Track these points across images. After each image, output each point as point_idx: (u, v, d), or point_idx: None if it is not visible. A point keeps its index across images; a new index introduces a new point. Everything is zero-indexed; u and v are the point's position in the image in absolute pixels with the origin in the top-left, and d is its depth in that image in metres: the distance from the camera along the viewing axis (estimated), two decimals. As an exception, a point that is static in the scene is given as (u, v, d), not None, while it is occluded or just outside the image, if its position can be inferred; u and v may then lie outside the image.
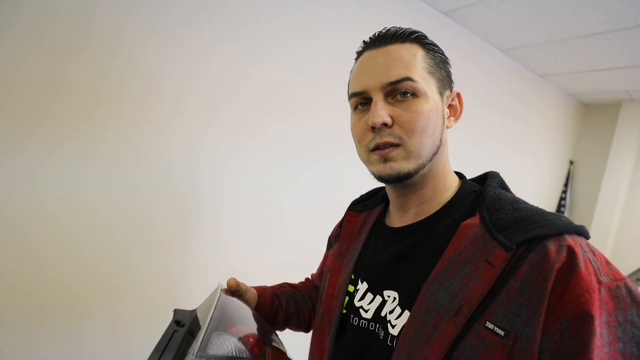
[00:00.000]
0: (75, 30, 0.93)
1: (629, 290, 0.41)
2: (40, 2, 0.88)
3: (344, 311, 0.63)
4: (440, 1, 1.69)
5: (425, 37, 0.56)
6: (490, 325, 0.42)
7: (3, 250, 0.90)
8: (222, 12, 1.16)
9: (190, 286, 1.23)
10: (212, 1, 1.13)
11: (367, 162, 0.57)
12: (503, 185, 0.57)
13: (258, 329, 0.59)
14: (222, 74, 1.19)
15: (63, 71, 0.92)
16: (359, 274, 0.63)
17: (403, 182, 0.54)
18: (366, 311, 0.58)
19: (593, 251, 0.44)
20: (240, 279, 0.70)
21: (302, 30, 1.35)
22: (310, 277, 0.91)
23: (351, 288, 0.63)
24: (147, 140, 1.08)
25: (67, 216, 0.98)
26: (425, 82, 0.53)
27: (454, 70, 0.61)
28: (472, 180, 0.62)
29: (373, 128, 0.53)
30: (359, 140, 0.57)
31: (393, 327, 0.52)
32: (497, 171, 0.60)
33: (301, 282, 0.89)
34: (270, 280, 0.90)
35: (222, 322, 0.53)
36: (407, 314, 0.51)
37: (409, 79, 0.51)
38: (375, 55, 0.55)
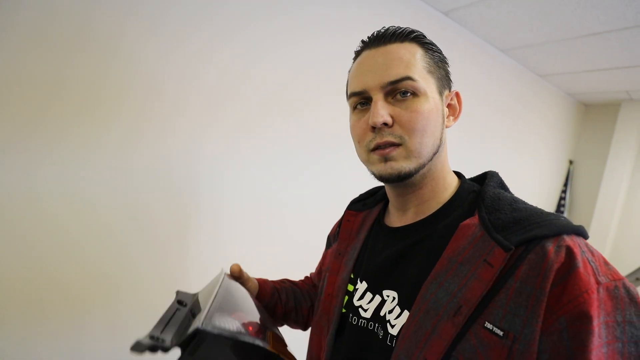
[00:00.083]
0: (75, 30, 0.93)
1: (628, 291, 0.41)
2: (41, 2, 0.88)
3: (343, 310, 0.63)
4: (440, 1, 1.69)
5: (424, 36, 0.56)
6: (489, 326, 0.42)
7: (3, 250, 0.90)
8: (222, 12, 1.16)
9: (190, 286, 1.23)
10: (212, 1, 1.13)
11: (367, 161, 0.56)
12: (502, 185, 0.57)
13: (260, 315, 0.59)
14: (222, 74, 1.19)
15: (63, 71, 0.92)
16: (359, 273, 0.63)
17: (403, 181, 0.54)
18: (365, 310, 0.58)
19: (591, 251, 0.44)
20: (241, 278, 0.70)
21: (301, 30, 1.35)
22: (309, 276, 0.91)
23: (350, 287, 0.64)
24: (147, 140, 1.08)
25: (67, 216, 0.98)
26: (425, 82, 0.53)
27: (454, 70, 0.61)
28: (471, 179, 0.62)
29: (373, 128, 0.53)
30: (358, 140, 0.57)
31: (392, 326, 0.52)
32: (497, 171, 0.61)
33: (301, 280, 0.89)
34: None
35: (225, 303, 0.54)
36: (406, 313, 0.51)
37: (409, 78, 0.51)
38: (375, 54, 0.55)
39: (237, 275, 0.69)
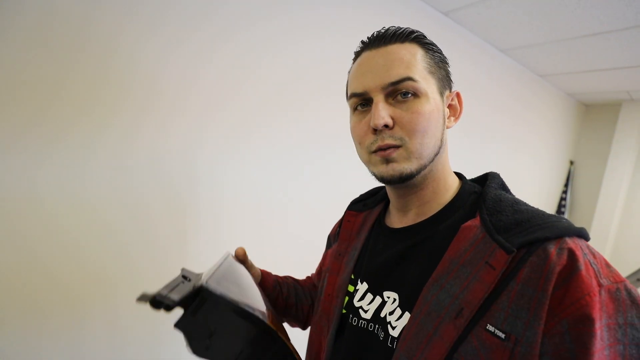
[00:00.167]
0: (75, 30, 0.93)
1: (629, 293, 0.41)
2: (41, 2, 0.88)
3: (344, 311, 0.62)
4: (440, 1, 1.69)
5: (424, 36, 0.56)
6: (490, 328, 0.42)
7: (3, 250, 0.90)
8: (222, 12, 1.16)
9: (190, 286, 1.22)
10: (212, 1, 1.13)
11: (369, 162, 0.56)
12: (503, 187, 0.57)
13: (261, 296, 0.59)
14: (221, 74, 1.19)
15: (63, 71, 0.92)
16: (359, 274, 0.63)
17: (405, 182, 0.54)
18: (365, 311, 0.58)
19: (593, 253, 0.44)
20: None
21: (301, 30, 1.35)
22: (310, 276, 0.91)
23: (351, 288, 0.63)
24: (147, 140, 1.08)
25: (66, 216, 0.97)
26: (426, 82, 0.52)
27: (454, 70, 0.60)
28: (472, 180, 0.62)
29: (374, 130, 0.52)
30: (359, 142, 0.56)
31: (393, 328, 0.52)
32: (497, 172, 0.60)
33: (302, 279, 0.89)
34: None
35: (228, 275, 0.54)
36: (407, 315, 0.51)
37: (410, 78, 0.51)
38: (375, 55, 0.54)
39: (242, 259, 0.70)
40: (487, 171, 0.61)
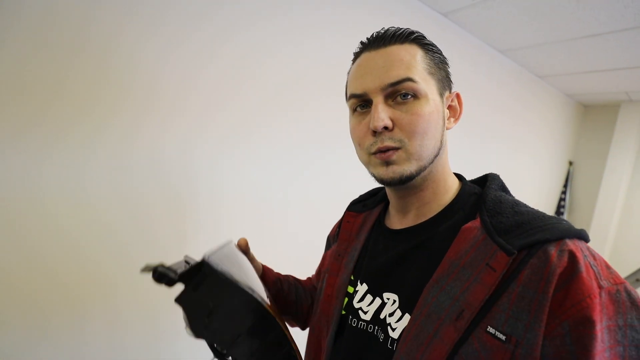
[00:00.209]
0: (75, 30, 0.93)
1: (629, 294, 0.41)
2: (41, 2, 0.87)
3: (343, 312, 0.62)
4: (440, 2, 1.69)
5: (424, 37, 0.56)
6: (491, 330, 0.42)
7: (3, 250, 0.90)
8: (222, 12, 1.16)
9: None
10: (212, 1, 1.13)
11: (368, 164, 0.56)
12: (503, 188, 0.57)
13: (262, 286, 0.60)
14: (221, 74, 1.19)
15: (63, 71, 0.92)
16: (359, 275, 0.63)
17: (404, 184, 0.54)
18: (365, 313, 0.58)
19: (593, 255, 0.44)
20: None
21: (301, 30, 1.35)
22: (310, 277, 0.91)
23: (350, 289, 0.63)
24: (147, 140, 1.08)
25: (67, 216, 0.97)
26: (426, 83, 0.52)
27: (453, 71, 0.60)
28: (472, 181, 0.62)
29: (374, 132, 0.52)
30: (359, 143, 0.56)
31: (393, 330, 0.52)
32: (497, 172, 0.60)
33: (303, 280, 0.89)
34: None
35: (229, 257, 0.54)
36: (407, 317, 0.51)
37: (409, 79, 0.51)
38: (374, 56, 0.54)
39: (244, 249, 0.69)
40: (487, 172, 0.61)
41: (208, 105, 1.18)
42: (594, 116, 3.29)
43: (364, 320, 0.58)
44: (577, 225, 0.46)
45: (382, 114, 0.50)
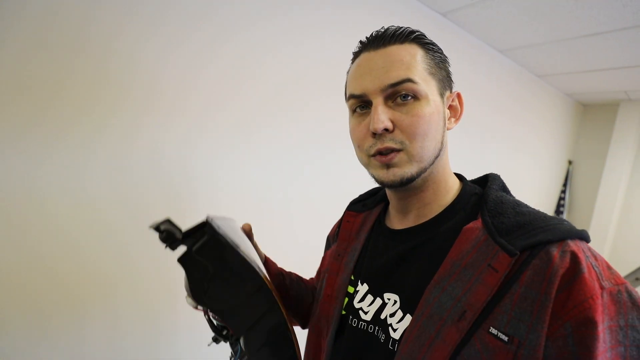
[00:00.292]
0: (75, 30, 0.92)
1: (630, 295, 0.41)
2: (41, 2, 0.87)
3: (343, 312, 0.62)
4: (439, 2, 1.69)
5: (424, 36, 0.55)
6: (493, 331, 0.42)
7: (3, 249, 0.90)
8: (222, 12, 1.16)
9: (190, 286, 1.22)
10: (212, 1, 1.13)
11: (368, 165, 0.56)
12: (504, 188, 0.57)
13: (262, 265, 0.60)
14: (221, 74, 1.19)
15: (63, 71, 0.92)
16: (359, 275, 0.63)
17: (405, 186, 0.53)
18: (366, 313, 0.58)
19: (595, 256, 0.44)
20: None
21: (301, 30, 1.35)
22: (312, 278, 0.90)
23: (351, 289, 0.63)
24: (147, 140, 1.08)
25: (67, 215, 0.97)
26: (426, 84, 0.51)
27: (452, 71, 0.59)
28: (472, 182, 0.61)
29: (374, 133, 0.51)
30: (358, 145, 0.56)
31: (394, 330, 0.52)
32: (497, 172, 0.60)
33: (306, 279, 0.89)
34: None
35: (234, 230, 0.54)
36: (408, 317, 0.51)
37: (409, 80, 0.50)
38: (374, 56, 0.53)
39: (248, 234, 0.69)
40: (487, 171, 0.61)
41: (208, 105, 1.18)
42: (593, 115, 3.30)
43: (364, 321, 0.58)
44: (577, 224, 0.46)
45: (382, 115, 0.50)
